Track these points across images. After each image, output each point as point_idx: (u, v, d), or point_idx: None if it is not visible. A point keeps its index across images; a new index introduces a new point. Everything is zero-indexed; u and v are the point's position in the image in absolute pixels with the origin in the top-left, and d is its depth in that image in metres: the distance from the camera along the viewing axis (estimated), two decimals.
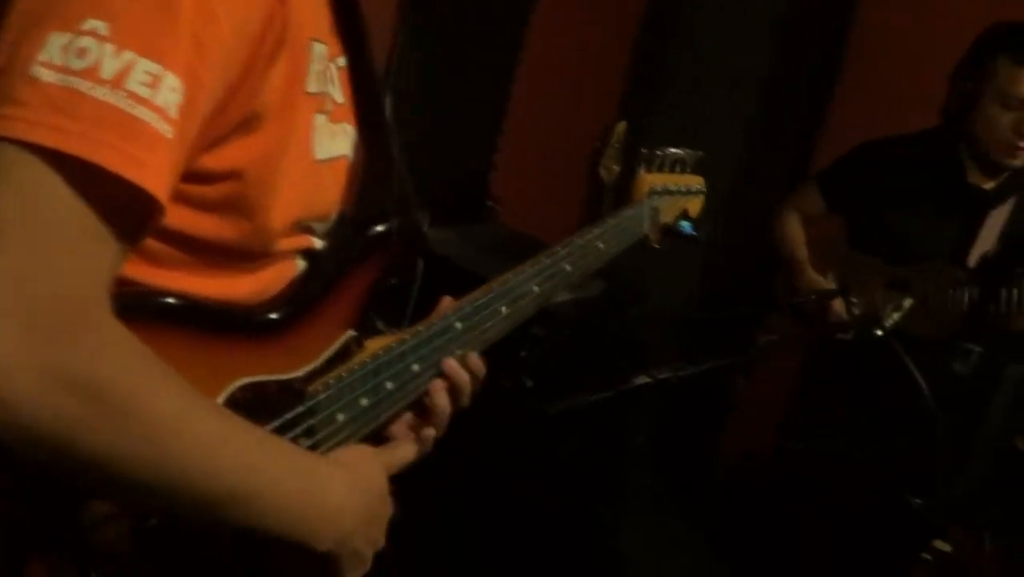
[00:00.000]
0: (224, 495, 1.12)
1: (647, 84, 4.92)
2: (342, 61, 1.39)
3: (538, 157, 4.48)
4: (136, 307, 1.11)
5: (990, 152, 3.37)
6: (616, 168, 3.38)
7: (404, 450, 1.48)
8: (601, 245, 1.97)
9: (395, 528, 1.40)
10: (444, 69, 3.74)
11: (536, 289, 1.74)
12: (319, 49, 1.28)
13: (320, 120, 1.31)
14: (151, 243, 1.18)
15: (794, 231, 3.78)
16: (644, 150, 2.27)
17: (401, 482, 1.45)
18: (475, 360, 1.61)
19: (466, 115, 4.07)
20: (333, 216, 1.40)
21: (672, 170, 2.33)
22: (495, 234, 3.97)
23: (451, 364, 1.57)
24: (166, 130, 1.04)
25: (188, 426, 1.08)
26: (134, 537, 1.17)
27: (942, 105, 3.48)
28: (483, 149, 4.27)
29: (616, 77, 4.93)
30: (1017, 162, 3.37)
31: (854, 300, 3.24)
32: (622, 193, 3.38)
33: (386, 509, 1.37)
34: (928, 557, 3.19)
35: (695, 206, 2.48)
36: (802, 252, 3.75)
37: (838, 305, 3.50)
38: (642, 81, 4.93)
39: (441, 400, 1.57)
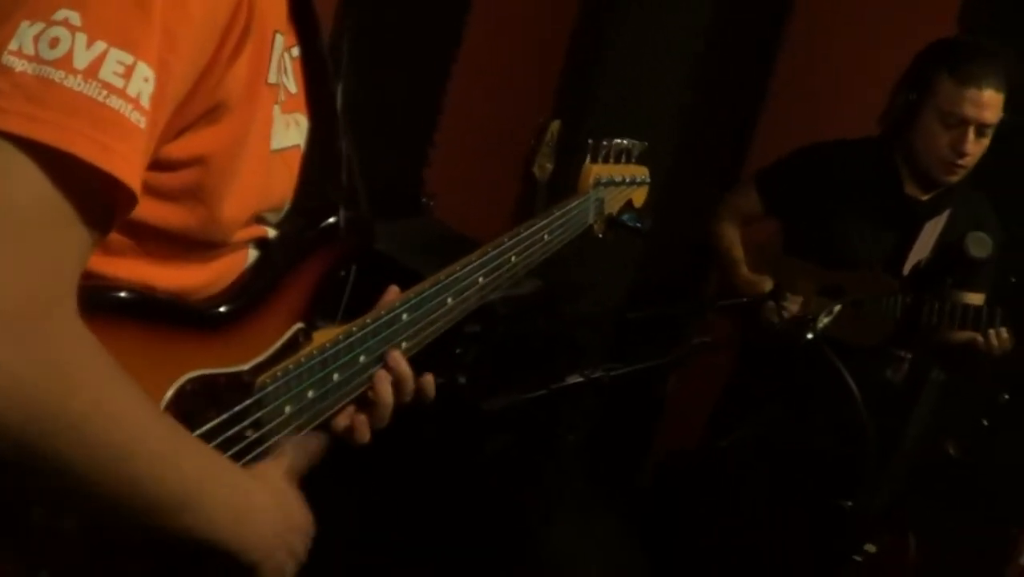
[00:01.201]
0: (172, 503, 1.13)
1: (581, 82, 4.95)
2: (296, 51, 1.39)
3: (473, 154, 4.48)
4: (88, 301, 1.10)
5: (928, 167, 3.40)
6: (549, 166, 3.38)
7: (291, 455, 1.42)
8: (547, 236, 1.97)
9: (323, 524, 1.40)
10: (381, 64, 3.72)
11: (482, 280, 1.75)
12: (279, 40, 1.28)
13: (277, 111, 1.31)
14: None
15: (730, 231, 3.80)
16: (591, 140, 2.27)
17: (328, 475, 1.45)
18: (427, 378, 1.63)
19: (401, 111, 4.06)
20: (286, 206, 1.40)
21: (617, 160, 2.33)
22: (430, 230, 3.96)
23: (395, 356, 1.56)
24: (138, 120, 1.04)
25: (144, 434, 1.09)
26: (83, 536, 1.17)
27: (881, 114, 3.50)
28: (418, 145, 4.26)
29: (551, 75, 4.94)
30: (954, 178, 3.40)
31: (785, 304, 3.28)
32: (555, 190, 3.38)
33: (305, 521, 1.37)
34: (857, 558, 3.23)
35: (639, 197, 2.48)
36: (738, 252, 3.77)
37: (770, 307, 3.53)
38: (576, 79, 4.95)
39: (385, 391, 1.56)
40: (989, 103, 3.27)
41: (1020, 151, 4.28)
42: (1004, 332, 3.19)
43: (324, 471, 1.47)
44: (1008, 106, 3.31)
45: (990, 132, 3.33)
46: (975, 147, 3.33)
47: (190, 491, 1.15)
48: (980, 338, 3.23)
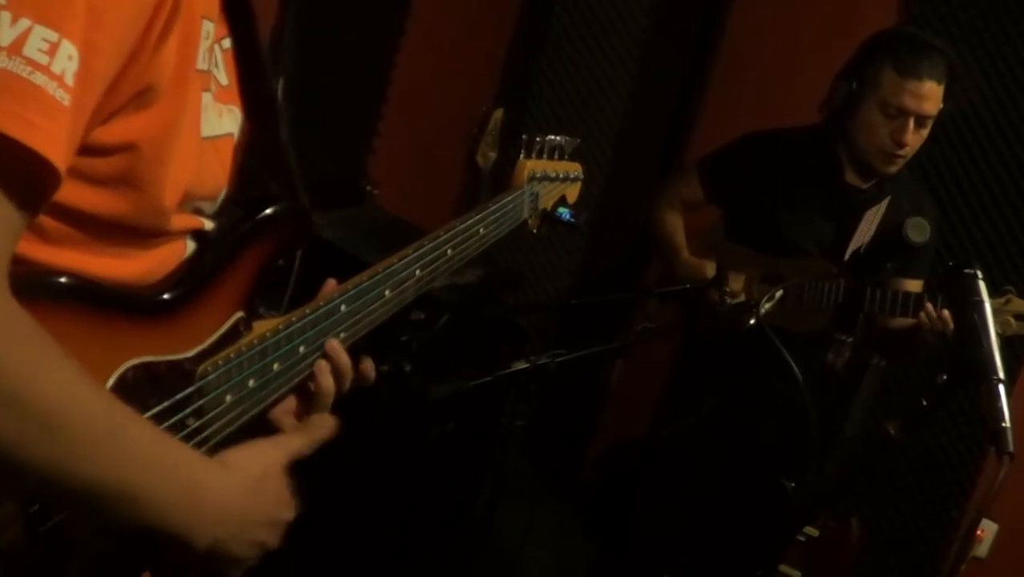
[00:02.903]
0: (113, 490, 1.12)
1: (525, 71, 4.96)
2: (227, 43, 1.39)
3: (416, 142, 4.48)
4: (28, 286, 1.10)
5: (868, 157, 3.42)
6: (493, 155, 3.38)
7: (297, 441, 1.46)
8: (482, 230, 1.98)
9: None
10: (323, 53, 3.71)
11: (419, 272, 1.76)
12: (207, 27, 1.27)
13: (207, 98, 1.31)
14: (43, 219, 1.16)
15: (671, 217, 3.82)
16: (524, 136, 2.29)
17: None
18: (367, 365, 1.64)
19: (345, 98, 4.05)
20: (220, 196, 1.40)
21: (551, 157, 2.35)
22: (373, 218, 3.96)
23: (333, 345, 1.57)
24: (63, 96, 1.04)
25: (83, 416, 1.08)
26: (30, 536, 1.16)
27: (822, 102, 3.52)
28: (361, 134, 4.25)
29: (495, 64, 4.95)
30: (893, 169, 3.42)
31: (728, 289, 3.30)
32: (499, 179, 3.39)
33: (281, 512, 1.35)
34: (800, 538, 3.26)
35: (573, 193, 2.50)
36: (680, 238, 3.79)
37: (712, 294, 3.55)
38: (520, 68, 4.96)
39: (326, 381, 1.57)
40: (929, 95, 3.30)
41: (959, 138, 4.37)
42: (945, 312, 3.22)
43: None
44: (948, 96, 3.35)
45: (930, 123, 3.36)
46: (915, 138, 3.35)
47: (127, 478, 1.13)
48: (925, 322, 3.25)
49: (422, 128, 4.48)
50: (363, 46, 4.12)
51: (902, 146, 3.35)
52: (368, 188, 4.15)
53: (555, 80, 4.97)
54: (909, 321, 3.33)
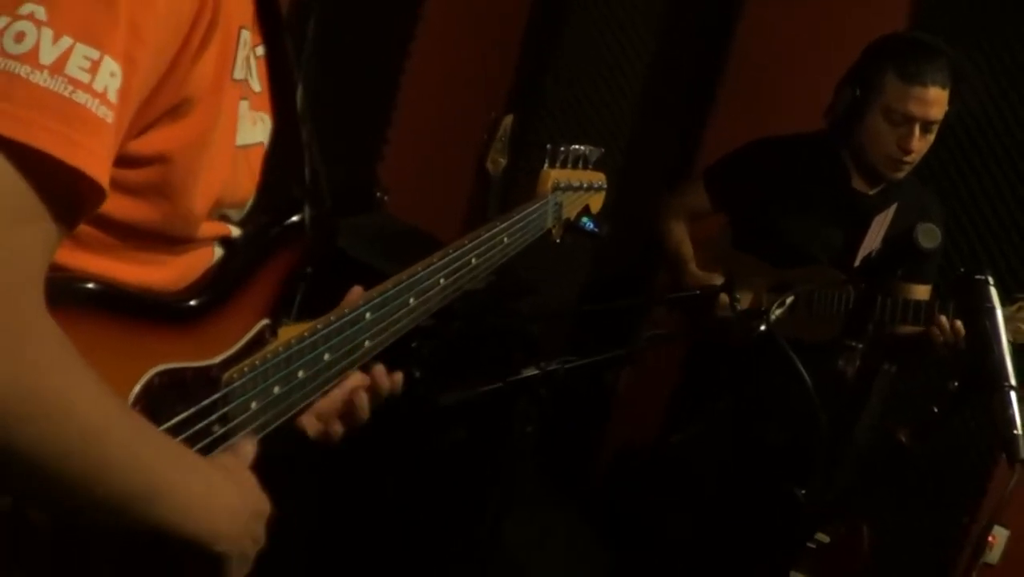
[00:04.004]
0: (142, 493, 1.13)
1: (534, 78, 4.97)
2: (260, 50, 1.40)
3: (427, 149, 4.49)
4: (57, 292, 1.10)
5: (874, 164, 3.42)
6: (503, 161, 3.40)
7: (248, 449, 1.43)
8: (506, 239, 1.99)
9: (280, 516, 1.41)
10: (335, 60, 3.72)
11: (443, 281, 1.77)
12: (245, 35, 1.28)
13: (243, 107, 1.32)
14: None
15: (678, 228, 3.82)
16: (549, 146, 2.30)
17: (286, 468, 1.46)
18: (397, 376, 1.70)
19: (354, 105, 4.06)
20: (248, 204, 1.40)
21: (575, 166, 2.36)
22: (383, 225, 3.97)
23: (378, 370, 1.66)
24: (105, 114, 1.04)
25: (110, 424, 1.09)
26: (53, 530, 1.18)
27: (826, 109, 3.51)
28: (372, 140, 4.26)
29: (505, 71, 4.96)
30: (900, 174, 3.42)
31: (738, 296, 3.30)
32: (509, 186, 3.39)
33: (265, 506, 1.36)
34: (811, 546, 3.26)
35: (596, 202, 2.51)
36: (687, 249, 3.79)
37: (722, 300, 3.55)
38: (530, 75, 4.97)
39: (360, 401, 1.66)
40: (935, 100, 3.29)
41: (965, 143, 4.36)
42: (958, 324, 3.21)
43: (282, 464, 1.49)
44: (954, 98, 3.35)
45: (935, 128, 3.35)
46: (921, 143, 3.35)
47: (159, 481, 1.14)
48: (935, 331, 3.25)
49: (432, 135, 4.49)
50: (373, 53, 4.13)
51: (908, 152, 3.35)
52: (378, 195, 4.16)
53: (565, 87, 4.98)
54: (919, 328, 3.33)
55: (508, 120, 3.34)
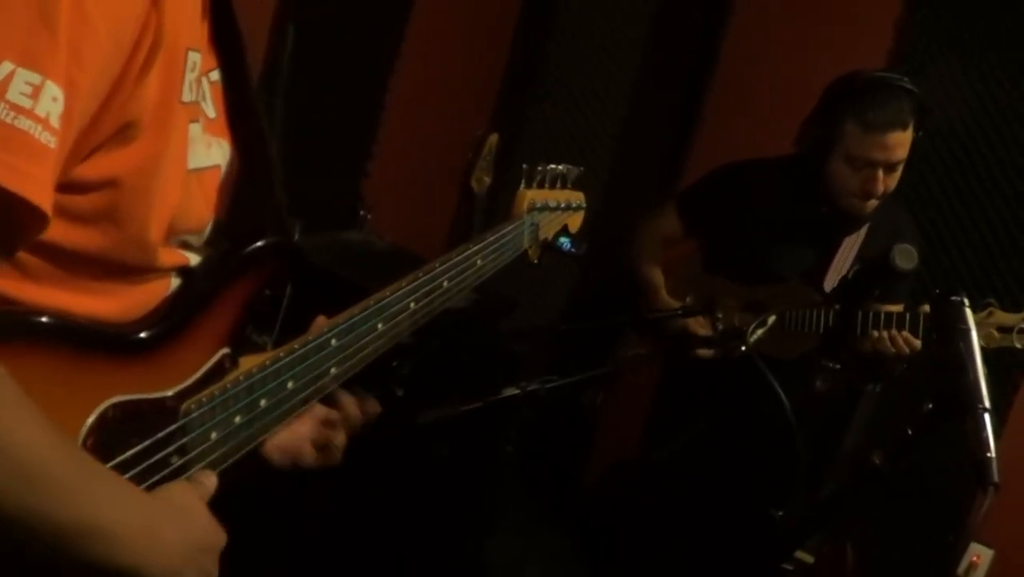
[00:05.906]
0: (79, 530, 1.11)
1: (519, 96, 4.97)
2: (215, 75, 1.39)
3: (411, 166, 4.49)
4: (7, 327, 1.10)
5: (840, 202, 3.39)
6: (487, 179, 3.39)
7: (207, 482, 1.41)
8: (479, 261, 1.97)
9: (260, 534, 1.39)
10: (319, 77, 3.71)
11: (413, 305, 1.74)
12: (193, 58, 1.27)
13: (195, 129, 1.30)
14: (23, 256, 1.16)
15: (650, 254, 3.80)
16: (525, 166, 2.27)
17: (266, 486, 1.45)
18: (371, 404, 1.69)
19: (339, 121, 4.06)
20: (207, 230, 1.39)
21: (553, 186, 2.33)
22: (367, 242, 3.96)
23: (346, 401, 1.65)
24: (48, 140, 1.04)
25: (47, 462, 1.07)
26: None
27: (795, 139, 3.49)
28: (356, 157, 4.26)
29: (489, 89, 4.96)
30: (867, 210, 3.39)
31: (719, 316, 3.29)
32: (493, 204, 3.39)
33: (216, 539, 1.33)
34: (791, 568, 3.26)
35: (575, 222, 2.48)
36: (658, 277, 3.78)
37: (697, 322, 3.55)
38: (514, 93, 4.98)
39: (339, 437, 1.66)
40: (896, 144, 3.26)
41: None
42: (907, 335, 3.20)
43: (262, 482, 1.48)
44: (918, 129, 3.30)
45: (900, 165, 3.32)
46: (886, 183, 3.32)
47: (97, 517, 1.12)
48: (885, 339, 3.23)
49: (416, 152, 4.48)
50: (357, 70, 4.13)
51: (872, 196, 3.33)
52: (361, 212, 4.16)
53: (549, 106, 4.98)
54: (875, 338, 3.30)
55: (493, 138, 3.33)
